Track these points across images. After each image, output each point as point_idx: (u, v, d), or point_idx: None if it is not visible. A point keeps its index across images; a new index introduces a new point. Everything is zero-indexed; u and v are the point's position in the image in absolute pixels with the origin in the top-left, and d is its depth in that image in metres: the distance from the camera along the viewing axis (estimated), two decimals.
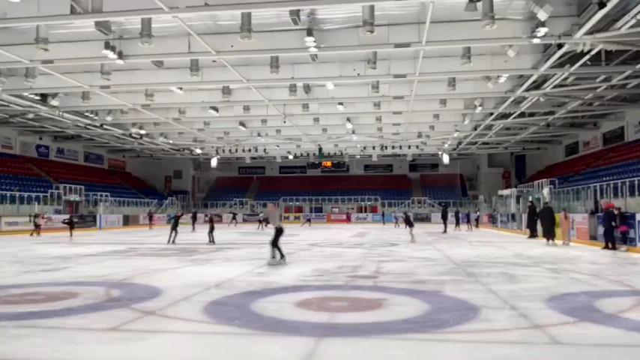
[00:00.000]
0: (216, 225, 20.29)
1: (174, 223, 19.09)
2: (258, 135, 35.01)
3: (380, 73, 19.15)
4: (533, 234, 20.97)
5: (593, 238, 16.05)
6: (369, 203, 48.89)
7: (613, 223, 14.66)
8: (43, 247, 17.01)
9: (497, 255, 13.70)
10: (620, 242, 14.62)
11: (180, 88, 22.93)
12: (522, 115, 27.75)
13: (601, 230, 15.58)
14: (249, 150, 41.36)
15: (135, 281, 8.67)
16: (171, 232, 18.74)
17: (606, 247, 14.76)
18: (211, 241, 18.22)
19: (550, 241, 17.45)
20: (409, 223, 21.07)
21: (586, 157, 33.85)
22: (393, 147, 39.81)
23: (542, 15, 12.85)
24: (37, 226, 23.60)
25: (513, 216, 28.76)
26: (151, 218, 36.13)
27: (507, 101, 24.14)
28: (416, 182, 54.53)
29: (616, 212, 14.82)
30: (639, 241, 13.90)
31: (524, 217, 23.61)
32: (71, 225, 23.96)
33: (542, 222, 18.52)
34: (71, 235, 22.89)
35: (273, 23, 15.55)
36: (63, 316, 5.83)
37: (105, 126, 31.23)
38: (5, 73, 20.26)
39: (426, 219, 44.24)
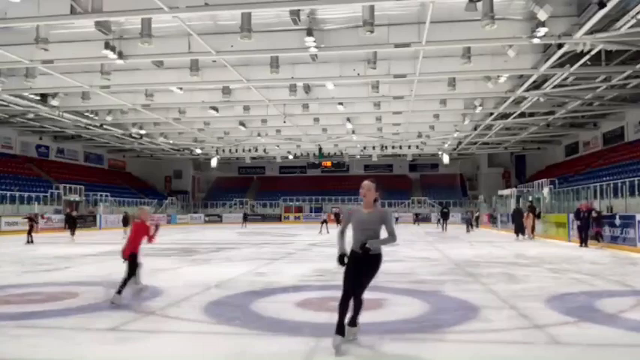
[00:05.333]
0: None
1: None
2: (258, 135, 34.99)
3: (380, 73, 19.14)
4: (531, 233, 21.20)
5: (594, 238, 16.17)
6: None
7: (577, 222, 16.62)
8: (43, 247, 16.99)
9: (497, 255, 13.71)
10: (594, 240, 16.05)
11: (180, 88, 22.91)
12: (522, 115, 27.74)
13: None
14: (249, 150, 41.32)
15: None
16: None
17: (581, 244, 16.25)
18: (29, 241, 18.11)
19: (520, 236, 20.85)
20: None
21: (586, 157, 33.81)
22: (393, 147, 39.78)
23: (542, 15, 12.85)
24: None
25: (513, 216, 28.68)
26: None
27: (507, 101, 24.13)
28: (416, 182, 54.48)
29: (595, 215, 15.96)
30: (639, 241, 13.91)
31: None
32: (71, 223, 21.96)
33: (514, 221, 21.84)
34: (72, 234, 21.43)
35: (273, 23, 15.54)
36: (63, 316, 5.83)
37: (105, 126, 31.23)
38: (5, 73, 20.24)
39: (425, 219, 44.21)
